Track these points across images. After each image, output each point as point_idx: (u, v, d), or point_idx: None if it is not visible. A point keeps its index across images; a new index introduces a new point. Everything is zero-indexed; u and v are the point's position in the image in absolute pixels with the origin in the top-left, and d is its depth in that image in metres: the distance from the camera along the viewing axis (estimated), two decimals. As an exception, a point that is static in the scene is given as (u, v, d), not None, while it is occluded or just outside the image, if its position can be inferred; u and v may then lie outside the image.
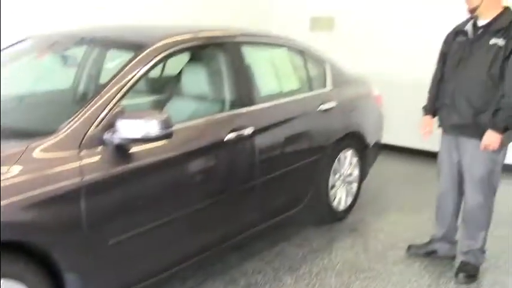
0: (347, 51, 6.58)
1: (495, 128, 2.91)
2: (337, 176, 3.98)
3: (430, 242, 3.49)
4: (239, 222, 3.09)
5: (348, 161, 4.08)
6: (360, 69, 5.91)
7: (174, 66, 3.30)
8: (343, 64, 5.92)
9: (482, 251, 3.27)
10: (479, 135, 2.99)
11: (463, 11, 3.07)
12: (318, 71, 3.94)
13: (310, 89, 3.76)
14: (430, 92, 3.34)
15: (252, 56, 3.27)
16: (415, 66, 5.80)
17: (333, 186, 3.93)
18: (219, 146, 2.83)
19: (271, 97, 3.31)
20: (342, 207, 4.09)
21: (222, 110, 3.04)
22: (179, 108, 3.05)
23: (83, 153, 2.19)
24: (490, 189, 3.14)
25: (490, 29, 2.94)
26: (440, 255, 3.44)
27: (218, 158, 2.85)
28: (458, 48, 3.09)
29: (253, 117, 3.07)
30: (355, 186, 4.24)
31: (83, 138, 2.21)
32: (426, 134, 3.35)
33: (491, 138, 2.93)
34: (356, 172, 4.21)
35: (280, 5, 7.22)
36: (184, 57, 3.22)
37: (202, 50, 3.17)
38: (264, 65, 3.33)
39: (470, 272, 3.22)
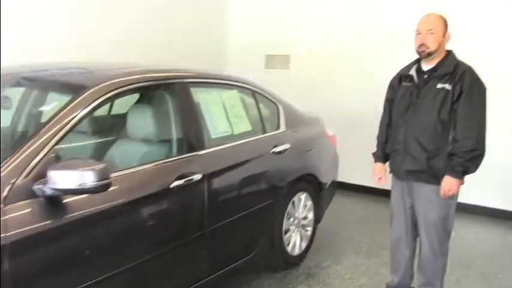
0: (302, 89, 6.59)
1: (453, 173, 2.86)
2: (291, 220, 3.85)
3: (386, 289, 3.39)
4: (187, 275, 2.89)
5: (302, 204, 3.96)
6: (315, 107, 5.89)
7: (119, 108, 3.13)
8: (299, 102, 5.92)
9: (439, 298, 3.17)
10: (434, 180, 2.95)
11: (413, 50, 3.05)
12: (271, 112, 3.86)
13: (263, 131, 3.65)
14: (379, 138, 3.30)
15: (202, 98, 3.15)
16: (369, 103, 5.79)
17: (287, 231, 3.80)
18: (164, 194, 2.66)
19: (222, 140, 3.18)
20: (296, 252, 3.94)
21: (169, 155, 2.89)
22: (122, 154, 2.89)
23: (8, 206, 1.98)
24: (444, 234, 3.08)
25: (435, 74, 2.93)
26: (397, 303, 3.34)
27: (163, 207, 2.68)
28: (405, 93, 3.05)
29: (202, 162, 2.92)
30: (310, 229, 4.12)
31: (10, 190, 2.01)
32: (380, 181, 3.29)
33: (450, 183, 2.88)
34: (311, 215, 4.09)
35: (236, 43, 7.20)
36: (130, 98, 3.07)
37: (149, 91, 3.02)
38: (214, 106, 3.20)
39: (427, 321, 3.12)
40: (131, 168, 2.57)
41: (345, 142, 5.68)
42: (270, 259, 3.72)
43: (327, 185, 4.28)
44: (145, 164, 2.67)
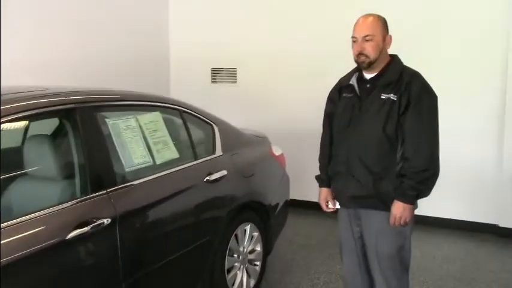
0: (251, 104, 6.19)
1: (404, 198, 2.43)
2: (235, 256, 3.35)
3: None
4: None
5: (247, 237, 3.47)
6: (265, 122, 5.48)
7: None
8: (247, 118, 5.48)
9: None
10: (383, 205, 2.51)
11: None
12: (205, 135, 3.37)
13: (195, 157, 3.15)
14: (321, 159, 2.83)
15: (112, 123, 2.62)
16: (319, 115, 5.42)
17: (230, 269, 3.30)
18: (58, 248, 2.12)
19: (139, 173, 2.66)
20: (243, 291, 3.44)
21: (72, 196, 2.35)
22: (20, 196, 2.38)
23: None
24: (402, 269, 2.61)
25: (379, 83, 2.51)
26: None
27: (57, 265, 2.12)
28: (346, 106, 2.61)
29: (112, 202, 2.40)
30: (259, 263, 3.63)
31: None
32: (328, 210, 2.83)
33: (402, 210, 2.44)
34: (259, 248, 3.61)
35: (179, 58, 6.73)
36: (17, 131, 2.54)
37: (41, 120, 2.50)
38: (128, 133, 2.67)
39: None
40: (22, 216, 2.05)
41: (299, 157, 5.28)
42: (211, 304, 3.21)
43: (276, 212, 3.81)
44: (39, 210, 2.13)
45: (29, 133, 2.62)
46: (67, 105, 2.41)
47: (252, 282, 3.55)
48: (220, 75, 6.52)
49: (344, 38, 4.40)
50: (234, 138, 3.56)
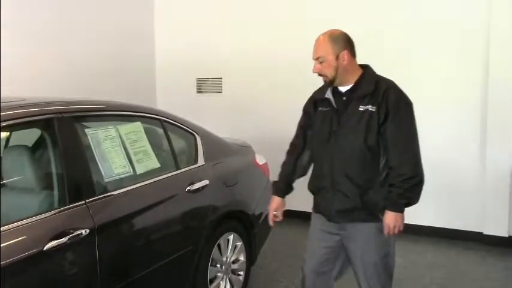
0: (237, 114, 6.21)
1: (395, 207, 2.44)
2: (218, 266, 3.34)
3: None
4: None
5: (230, 247, 3.47)
6: (251, 132, 5.50)
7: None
8: (233, 128, 5.50)
9: None
10: (370, 217, 2.52)
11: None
12: (187, 145, 3.37)
13: (176, 166, 3.14)
14: (285, 167, 2.80)
15: (92, 134, 2.61)
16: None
17: (213, 279, 3.29)
18: (35, 259, 2.10)
19: (119, 183, 2.66)
20: (227, 302, 3.43)
21: (49, 207, 2.33)
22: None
23: None
24: (386, 275, 2.62)
25: (355, 95, 2.51)
26: None
27: (35, 276, 2.11)
28: (323, 120, 2.60)
29: (91, 212, 2.39)
30: (242, 273, 3.62)
31: None
32: (274, 220, 2.80)
33: (394, 219, 2.45)
34: (242, 258, 3.60)
35: (164, 68, 6.74)
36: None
37: (19, 131, 2.48)
38: (108, 143, 2.66)
39: None
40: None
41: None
42: (194, 315, 3.19)
43: (260, 221, 3.80)
44: (16, 221, 2.12)
45: (11, 143, 2.60)
46: (45, 116, 2.40)
47: (236, 291, 3.54)
48: (206, 85, 6.54)
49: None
50: (217, 148, 3.56)
